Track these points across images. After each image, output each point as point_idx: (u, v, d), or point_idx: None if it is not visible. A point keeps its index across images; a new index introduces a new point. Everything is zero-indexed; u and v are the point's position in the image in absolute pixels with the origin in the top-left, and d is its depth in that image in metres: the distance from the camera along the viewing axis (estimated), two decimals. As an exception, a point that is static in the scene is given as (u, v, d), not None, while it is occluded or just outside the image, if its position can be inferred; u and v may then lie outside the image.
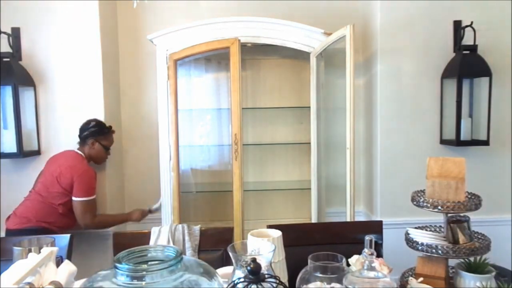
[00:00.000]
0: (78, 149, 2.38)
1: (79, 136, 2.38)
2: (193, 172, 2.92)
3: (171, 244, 1.73)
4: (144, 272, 0.85)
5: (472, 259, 1.41)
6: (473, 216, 1.50)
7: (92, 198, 2.25)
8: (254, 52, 2.85)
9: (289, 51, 2.64)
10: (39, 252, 1.21)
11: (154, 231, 1.77)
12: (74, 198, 2.21)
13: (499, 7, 2.56)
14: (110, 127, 2.45)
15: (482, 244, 1.44)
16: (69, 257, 1.66)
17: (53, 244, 1.33)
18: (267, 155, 2.98)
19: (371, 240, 1.08)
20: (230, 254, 1.01)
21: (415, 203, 1.52)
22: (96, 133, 2.36)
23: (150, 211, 2.59)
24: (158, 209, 2.59)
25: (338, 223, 2.01)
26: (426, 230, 1.60)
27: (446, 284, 1.41)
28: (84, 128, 2.37)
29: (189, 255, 1.70)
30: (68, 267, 1.21)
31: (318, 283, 1.11)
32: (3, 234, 2.25)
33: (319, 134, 2.76)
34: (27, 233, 2.01)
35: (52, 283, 1.11)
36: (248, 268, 0.90)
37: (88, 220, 2.24)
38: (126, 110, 2.87)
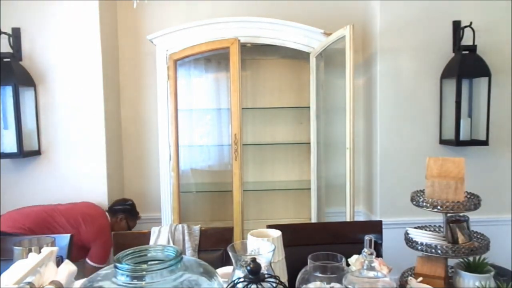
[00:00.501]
0: (107, 213, 2.42)
1: (111, 207, 2.46)
2: (193, 172, 2.92)
3: (171, 244, 1.73)
4: (144, 272, 0.85)
5: (471, 258, 1.41)
6: (472, 216, 1.50)
7: (99, 267, 2.20)
8: (253, 52, 2.85)
9: (288, 51, 2.64)
10: (39, 252, 1.21)
11: (154, 231, 1.77)
12: (88, 259, 2.23)
13: (498, 7, 2.56)
14: (138, 212, 2.58)
15: (481, 244, 1.45)
16: (69, 257, 1.66)
17: (53, 244, 1.33)
18: (267, 155, 2.98)
19: (370, 240, 1.08)
20: (230, 254, 1.01)
21: (414, 203, 1.52)
22: (128, 211, 2.47)
23: None
24: None
25: (338, 223, 2.01)
26: (426, 230, 1.61)
27: (446, 284, 1.41)
28: (120, 203, 2.49)
29: (189, 255, 1.70)
30: (68, 267, 1.22)
31: (318, 283, 1.11)
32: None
33: (319, 134, 2.76)
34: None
35: (52, 283, 1.11)
36: (248, 268, 0.90)
37: (89, 271, 2.18)
38: (126, 110, 2.87)
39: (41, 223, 2.13)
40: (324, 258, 1.16)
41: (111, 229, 2.38)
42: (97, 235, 2.24)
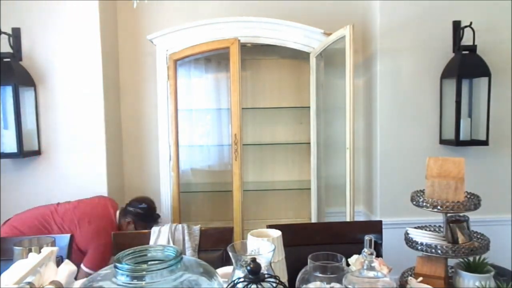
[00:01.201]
0: (119, 212, 2.23)
1: (126, 206, 2.25)
2: (193, 172, 2.92)
3: (171, 244, 1.74)
4: (144, 272, 0.85)
5: (471, 258, 1.41)
6: (472, 216, 1.50)
7: (93, 272, 1.97)
8: (254, 52, 2.85)
9: (289, 51, 2.64)
10: (39, 252, 1.21)
11: (154, 231, 1.77)
12: (82, 265, 2.01)
13: (498, 7, 2.56)
14: (158, 216, 2.29)
15: (481, 244, 1.44)
16: (69, 257, 1.66)
17: (53, 244, 1.33)
18: (267, 155, 2.98)
19: (370, 240, 1.08)
20: (230, 254, 1.01)
21: (414, 203, 1.52)
22: (138, 216, 2.19)
23: None
24: None
25: (338, 223, 2.01)
26: (426, 230, 1.61)
27: (446, 284, 1.41)
28: (133, 204, 2.23)
29: (189, 255, 1.70)
30: (68, 267, 1.22)
31: (318, 283, 1.11)
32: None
33: (319, 134, 2.76)
34: None
35: (52, 282, 1.11)
36: (248, 268, 0.90)
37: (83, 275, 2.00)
38: (126, 110, 2.87)
39: (35, 231, 2.04)
40: (324, 258, 1.16)
41: (118, 227, 2.21)
42: (92, 237, 2.06)
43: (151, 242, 1.73)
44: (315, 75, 2.68)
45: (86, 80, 2.50)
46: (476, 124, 2.55)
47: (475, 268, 1.38)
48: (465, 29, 2.50)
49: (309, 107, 2.75)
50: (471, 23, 2.47)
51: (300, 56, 2.76)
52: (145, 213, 2.22)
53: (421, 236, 1.51)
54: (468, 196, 1.51)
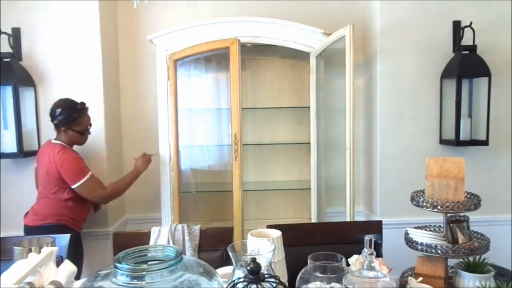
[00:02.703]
0: (55, 138, 2.22)
1: (51, 122, 2.21)
2: (193, 172, 2.92)
3: (171, 244, 1.74)
4: (144, 272, 0.85)
5: (471, 258, 1.41)
6: (472, 216, 1.50)
7: (88, 178, 2.14)
8: (254, 52, 2.85)
9: (289, 51, 2.64)
10: (39, 252, 1.21)
11: (154, 231, 1.77)
12: (73, 187, 2.13)
13: (498, 7, 2.56)
14: (82, 105, 2.22)
15: (481, 244, 1.44)
16: (69, 257, 1.66)
17: (53, 244, 1.33)
18: (267, 155, 2.98)
19: (370, 240, 1.08)
20: (230, 254, 1.01)
21: (414, 203, 1.52)
22: (64, 121, 2.16)
23: (151, 155, 2.48)
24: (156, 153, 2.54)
25: (338, 223, 2.01)
26: (426, 230, 1.60)
27: (446, 284, 1.41)
28: (53, 115, 2.18)
29: (189, 255, 1.70)
30: (68, 267, 1.22)
31: (318, 283, 1.11)
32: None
33: (319, 134, 2.76)
34: (46, 230, 1.99)
35: (52, 283, 1.11)
36: (248, 268, 0.90)
37: (100, 194, 2.19)
38: (126, 110, 2.87)
39: (49, 203, 2.17)
40: (324, 258, 1.16)
41: (70, 144, 2.21)
42: (54, 163, 2.11)
43: (151, 242, 1.73)
44: (315, 75, 2.68)
45: (86, 80, 2.49)
46: (476, 124, 2.55)
47: (475, 268, 1.38)
48: (465, 29, 2.50)
49: (309, 107, 2.75)
50: (471, 23, 2.47)
51: (300, 56, 2.76)
52: (66, 113, 2.16)
53: (421, 236, 1.51)
54: (468, 196, 1.51)
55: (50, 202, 2.17)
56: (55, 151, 2.15)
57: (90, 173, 2.17)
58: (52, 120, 2.19)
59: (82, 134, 2.25)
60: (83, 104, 2.23)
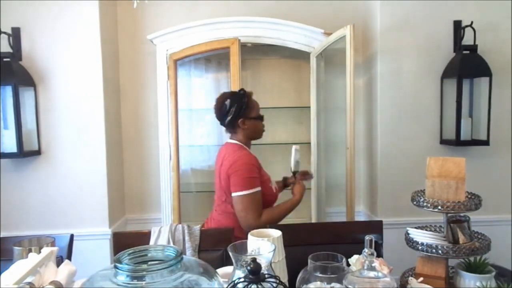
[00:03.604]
0: (230, 137, 1.99)
1: (222, 124, 1.97)
2: (193, 172, 2.92)
3: (171, 244, 1.73)
4: (144, 272, 0.85)
5: (472, 259, 1.41)
6: (473, 216, 1.50)
7: (253, 192, 1.80)
8: (254, 52, 2.85)
9: (289, 51, 2.64)
10: (39, 252, 1.21)
11: (154, 231, 1.77)
12: (232, 194, 1.82)
13: (499, 7, 2.55)
14: (242, 90, 1.96)
15: (482, 244, 1.44)
16: (69, 257, 1.66)
17: (53, 244, 1.33)
18: (267, 155, 2.97)
19: (371, 240, 1.08)
20: (230, 254, 1.01)
21: (415, 203, 1.52)
22: (240, 109, 1.89)
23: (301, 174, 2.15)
24: (298, 162, 2.13)
25: (338, 223, 2.01)
26: (426, 230, 1.60)
27: (446, 284, 1.41)
28: (224, 110, 1.91)
29: (189, 255, 1.70)
30: (68, 267, 1.21)
31: (318, 283, 1.11)
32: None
33: (319, 134, 2.76)
34: None
35: (52, 283, 1.11)
36: (248, 268, 0.90)
37: (252, 220, 1.77)
38: (126, 110, 2.87)
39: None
40: (324, 258, 1.16)
41: (250, 139, 2.00)
42: (226, 166, 1.86)
43: (151, 242, 1.73)
44: (316, 75, 2.68)
45: (86, 80, 2.49)
46: (477, 124, 2.55)
47: (476, 268, 1.37)
48: (466, 29, 2.50)
49: (309, 107, 2.75)
50: (472, 22, 2.47)
51: (300, 56, 2.75)
52: (238, 102, 1.90)
53: (421, 236, 1.51)
54: (469, 196, 1.51)
55: (221, 212, 1.96)
56: (232, 149, 1.91)
57: (258, 189, 1.83)
58: (225, 117, 1.91)
59: (261, 119, 1.99)
60: (241, 89, 1.99)
